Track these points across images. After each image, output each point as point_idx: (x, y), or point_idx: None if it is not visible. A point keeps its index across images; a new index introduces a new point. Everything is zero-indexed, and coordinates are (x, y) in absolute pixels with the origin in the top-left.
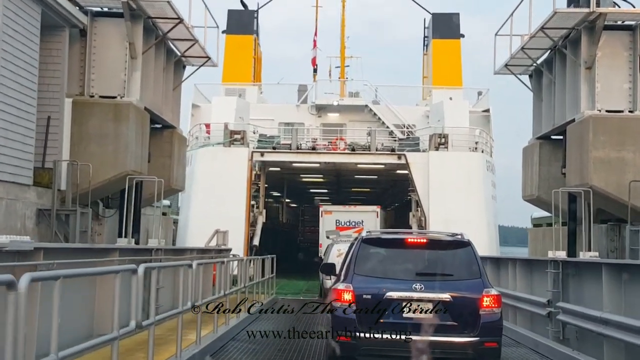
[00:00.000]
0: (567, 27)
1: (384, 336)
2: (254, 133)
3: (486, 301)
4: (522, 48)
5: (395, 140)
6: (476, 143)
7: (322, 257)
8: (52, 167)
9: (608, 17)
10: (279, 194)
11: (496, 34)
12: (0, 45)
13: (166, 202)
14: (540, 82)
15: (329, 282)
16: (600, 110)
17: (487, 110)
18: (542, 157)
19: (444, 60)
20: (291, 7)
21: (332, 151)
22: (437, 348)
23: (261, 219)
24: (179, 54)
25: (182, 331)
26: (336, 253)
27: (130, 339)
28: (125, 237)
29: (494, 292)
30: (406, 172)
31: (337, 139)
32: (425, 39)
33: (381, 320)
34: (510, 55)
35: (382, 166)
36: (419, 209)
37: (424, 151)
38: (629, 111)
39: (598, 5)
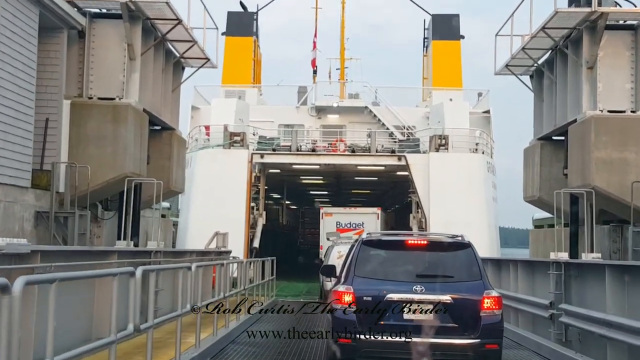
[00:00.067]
0: (569, 26)
1: (385, 338)
2: (254, 135)
3: (487, 303)
4: (523, 48)
5: (395, 142)
6: (476, 144)
7: (322, 259)
8: (50, 169)
9: (610, 17)
10: (279, 196)
11: (496, 35)
12: None
13: (165, 204)
14: (541, 82)
15: (329, 284)
16: (602, 111)
17: (488, 112)
18: (544, 158)
19: (444, 61)
20: (291, 9)
21: (332, 153)
22: (438, 350)
23: (261, 221)
24: (178, 55)
25: (182, 334)
26: (336, 255)
27: (129, 342)
28: (124, 239)
29: (494, 293)
30: (406, 173)
31: (337, 141)
32: (425, 40)
33: (381, 322)
34: (510, 55)
35: (382, 168)
36: (419, 210)
37: (424, 152)
38: (631, 111)
39: (600, 4)
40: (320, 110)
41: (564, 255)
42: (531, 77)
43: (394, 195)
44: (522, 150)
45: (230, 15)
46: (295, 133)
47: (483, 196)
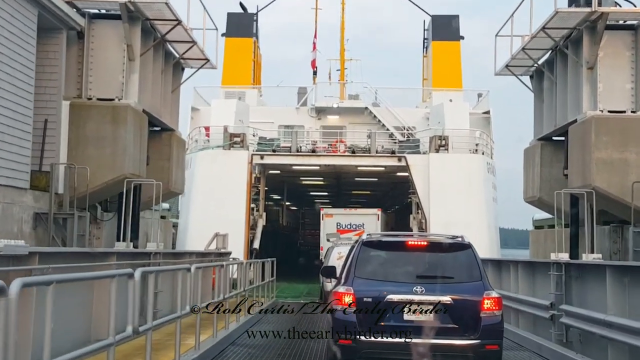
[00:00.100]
0: (569, 27)
1: (385, 339)
2: (254, 136)
3: (487, 304)
4: (523, 48)
5: (395, 143)
6: (476, 145)
7: (323, 260)
8: (49, 171)
9: (610, 17)
10: (279, 197)
11: (496, 35)
12: None
13: (165, 205)
14: (541, 82)
15: (329, 285)
16: (602, 111)
17: (488, 112)
18: (544, 158)
19: (444, 62)
20: (290, 10)
21: (332, 154)
22: (438, 351)
23: (261, 222)
24: (177, 56)
25: (181, 336)
26: (336, 256)
27: (129, 344)
28: (124, 241)
29: (494, 294)
30: (406, 174)
31: (337, 142)
32: (425, 41)
33: (382, 323)
34: (511, 55)
35: (382, 168)
36: (419, 211)
37: (424, 153)
38: (632, 111)
39: (600, 4)
40: (320, 111)
41: (564, 256)
42: (531, 77)
43: (394, 196)
44: (522, 151)
45: (230, 16)
46: (295, 134)
47: (483, 197)
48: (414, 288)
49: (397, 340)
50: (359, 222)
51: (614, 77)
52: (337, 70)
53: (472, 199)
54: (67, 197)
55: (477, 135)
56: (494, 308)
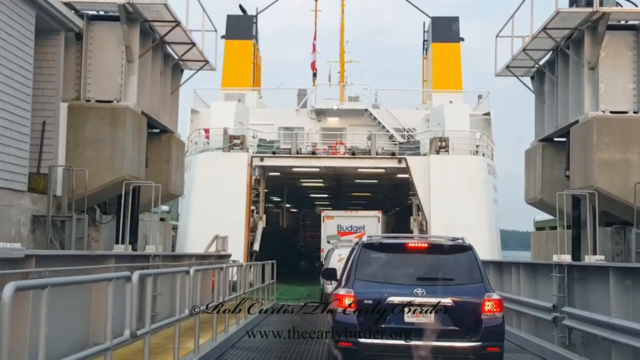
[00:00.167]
0: (570, 27)
1: (386, 341)
2: (254, 138)
3: (488, 305)
4: (524, 49)
5: (395, 144)
6: (477, 146)
7: (323, 262)
8: (47, 173)
9: (611, 17)
10: (279, 199)
11: (497, 36)
12: None
13: (165, 207)
14: (542, 83)
15: (329, 287)
16: (604, 111)
17: (488, 114)
18: (545, 159)
19: (444, 63)
20: (290, 12)
21: (332, 155)
22: (439, 353)
23: (261, 224)
24: (176, 57)
25: (181, 339)
26: (337, 258)
27: (128, 347)
28: (123, 243)
29: (495, 296)
30: (407, 176)
31: (337, 143)
32: (425, 42)
33: (383, 326)
34: (511, 56)
35: (383, 170)
36: (420, 213)
37: (424, 155)
38: (634, 112)
39: (601, 4)
40: (320, 113)
41: (567, 258)
42: (532, 78)
43: (395, 197)
44: (523, 152)
45: (230, 18)
46: (295, 136)
47: (484, 198)
48: (415, 290)
49: (398, 342)
50: (360, 224)
51: (615, 77)
52: (338, 72)
53: (472, 201)
54: (65, 199)
55: (477, 136)
56: (494, 310)
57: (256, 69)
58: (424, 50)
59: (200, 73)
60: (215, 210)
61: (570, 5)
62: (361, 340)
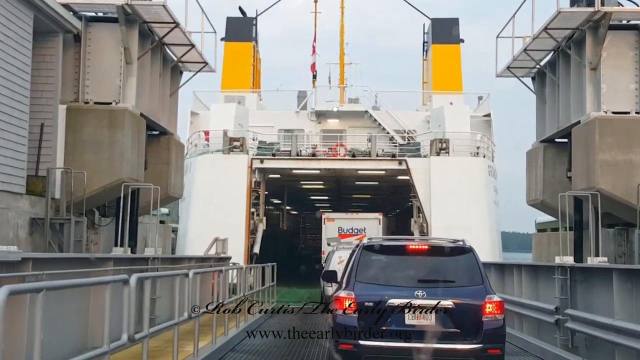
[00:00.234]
0: (571, 27)
1: (387, 344)
2: (254, 140)
3: (489, 307)
4: (525, 49)
5: (395, 146)
6: (477, 148)
7: (323, 264)
8: (45, 175)
9: (613, 17)
10: (279, 201)
11: (497, 36)
12: None
13: (165, 210)
14: (544, 84)
15: (330, 289)
16: (606, 112)
17: (488, 115)
18: (547, 160)
19: (444, 65)
20: (290, 14)
21: (332, 157)
22: (440, 355)
23: (261, 227)
24: (175, 59)
25: (180, 343)
26: (337, 260)
27: (127, 351)
28: (122, 246)
29: (496, 298)
30: (407, 177)
31: (337, 145)
32: (425, 44)
33: (383, 328)
34: (512, 57)
35: (383, 172)
36: (420, 215)
37: (425, 157)
38: (636, 112)
39: (602, 4)
40: (320, 115)
41: (569, 260)
42: (533, 79)
43: (395, 199)
44: (524, 154)
45: (230, 20)
46: (295, 138)
47: (484, 200)
48: (415, 292)
49: (398, 344)
50: (361, 226)
51: (617, 77)
52: (338, 76)
53: (473, 203)
54: (63, 202)
55: (478, 138)
56: (495, 312)
57: (256, 71)
58: (424, 52)
59: (200, 75)
60: (215, 212)
61: (571, 6)
62: (362, 342)
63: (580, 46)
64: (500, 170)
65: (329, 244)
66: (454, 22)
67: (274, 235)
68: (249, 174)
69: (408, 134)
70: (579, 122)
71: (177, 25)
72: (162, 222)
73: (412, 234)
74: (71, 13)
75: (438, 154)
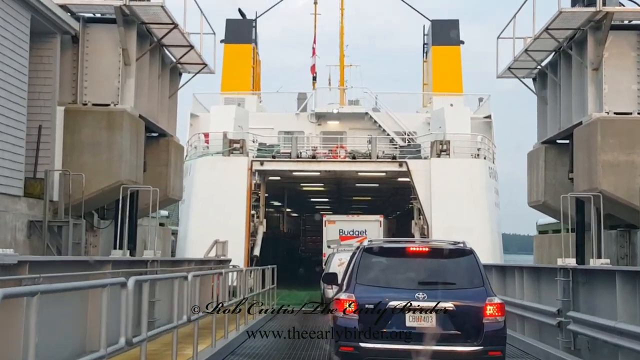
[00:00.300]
0: (572, 27)
1: (387, 346)
2: (254, 142)
3: (489, 310)
4: (526, 50)
5: (396, 148)
6: (478, 149)
7: (324, 267)
8: (43, 177)
9: (615, 17)
10: (279, 204)
11: (498, 37)
12: None
13: (164, 212)
14: (545, 85)
15: (330, 291)
16: (608, 113)
17: (489, 117)
18: (548, 162)
19: (444, 67)
20: (289, 16)
21: (332, 159)
22: (440, 357)
23: (262, 229)
24: (174, 60)
25: (179, 346)
26: (337, 263)
27: (126, 354)
28: (121, 248)
29: (497, 300)
30: (408, 179)
31: (337, 147)
32: (425, 46)
33: (384, 330)
34: (513, 57)
35: (383, 174)
36: (421, 217)
37: (425, 158)
38: (638, 113)
39: (604, 4)
40: (320, 117)
41: (571, 261)
42: (534, 79)
43: (396, 201)
44: (525, 155)
45: (229, 22)
46: (295, 140)
47: (485, 202)
48: (416, 294)
49: (399, 346)
50: (362, 228)
51: (619, 78)
52: (338, 78)
53: (474, 204)
54: (62, 204)
55: (478, 139)
56: (496, 314)
57: (256, 73)
58: (424, 54)
59: (200, 77)
60: (215, 215)
61: (572, 6)
62: (362, 344)
63: (582, 46)
64: (500, 171)
65: (329, 246)
66: (454, 23)
67: (274, 237)
68: (249, 176)
69: (408, 135)
70: (580, 123)
71: (175, 26)
72: (161, 224)
73: (413, 236)
74: (69, 14)
75: (438, 155)
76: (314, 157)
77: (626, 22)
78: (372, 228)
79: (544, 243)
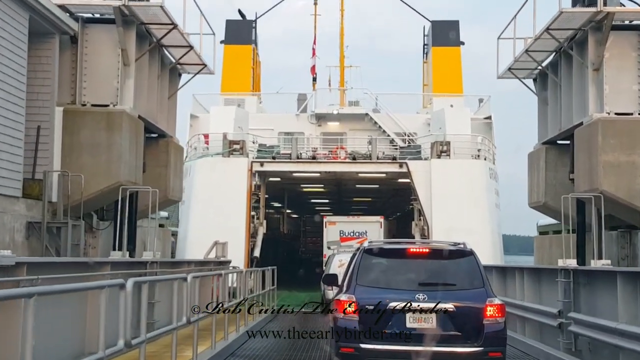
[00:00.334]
0: (573, 27)
1: (388, 347)
2: (254, 143)
3: (490, 311)
4: (527, 50)
5: (396, 149)
6: (478, 150)
7: (324, 268)
8: (42, 178)
9: (616, 17)
10: (279, 205)
11: (499, 38)
12: None
13: (164, 213)
14: (546, 85)
15: (330, 293)
16: (609, 113)
17: (489, 117)
18: (549, 162)
19: (444, 67)
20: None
21: (332, 160)
22: (441, 358)
23: (262, 230)
24: (173, 61)
25: (179, 348)
26: (337, 264)
27: (125, 356)
28: (120, 250)
29: (497, 301)
30: (408, 180)
31: (337, 148)
32: (425, 47)
33: (384, 331)
34: (514, 58)
35: (384, 175)
36: (421, 218)
37: (425, 159)
38: (639, 113)
39: (605, 4)
40: (321, 118)
41: (572, 262)
42: (535, 80)
43: (396, 202)
44: (525, 156)
45: (229, 23)
46: (296, 141)
47: (486, 203)
48: (416, 295)
49: (399, 347)
50: (362, 229)
51: (620, 78)
52: (338, 79)
53: (474, 205)
54: (60, 205)
55: (478, 140)
56: (496, 315)
57: (256, 74)
58: (424, 55)
59: (200, 78)
60: (215, 216)
61: (573, 6)
62: (363, 345)
63: (583, 47)
64: (501, 172)
65: (329, 247)
66: (454, 24)
67: (275, 238)
68: (249, 177)
69: (409, 136)
70: (581, 124)
71: (175, 26)
72: (161, 225)
73: (413, 237)
74: (67, 14)
75: (439, 156)
76: (314, 158)
77: (627, 22)
78: (372, 229)
79: (545, 244)
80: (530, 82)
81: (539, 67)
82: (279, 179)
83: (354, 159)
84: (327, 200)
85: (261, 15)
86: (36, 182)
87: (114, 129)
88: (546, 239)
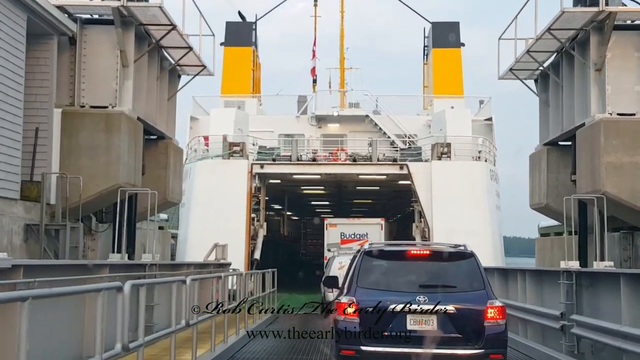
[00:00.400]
0: (575, 27)
1: (388, 349)
2: (254, 145)
3: (490, 313)
4: (528, 51)
5: (397, 151)
6: (479, 152)
7: (324, 270)
8: (40, 180)
9: (618, 17)
10: (280, 207)
11: (500, 38)
12: None
13: (164, 215)
14: (547, 86)
15: (331, 295)
16: (611, 114)
17: (490, 119)
18: (550, 163)
19: (445, 69)
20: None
21: (333, 162)
22: None
23: (262, 232)
24: (173, 62)
25: (178, 351)
26: (338, 266)
27: (124, 359)
28: (119, 252)
29: (498, 303)
30: (408, 182)
31: (337, 150)
32: (425, 48)
33: (385, 333)
34: (515, 58)
35: (384, 177)
36: (422, 219)
37: (426, 161)
38: None
39: (607, 4)
40: (321, 120)
41: (574, 264)
42: (536, 81)
43: (396, 204)
44: (526, 157)
45: (229, 25)
46: (296, 143)
47: (486, 204)
48: (417, 297)
49: (400, 349)
50: (363, 231)
51: (622, 78)
52: (338, 81)
53: (475, 207)
54: (59, 207)
55: (479, 142)
56: (497, 317)
57: (256, 75)
58: (425, 56)
59: (199, 80)
60: (215, 218)
61: (575, 6)
62: (363, 347)
63: (584, 47)
64: (501, 174)
65: (329, 250)
66: (454, 25)
67: (275, 241)
68: (249, 179)
69: (409, 138)
70: (583, 124)
71: (174, 27)
72: (160, 227)
73: (414, 239)
74: (66, 15)
75: (439, 158)
76: (314, 160)
77: (629, 22)
78: (373, 231)
79: (546, 246)
80: (531, 82)
81: (540, 68)
82: (279, 181)
83: (354, 160)
84: (327, 202)
85: (261, 17)
86: (34, 184)
87: (112, 130)
88: (548, 241)
